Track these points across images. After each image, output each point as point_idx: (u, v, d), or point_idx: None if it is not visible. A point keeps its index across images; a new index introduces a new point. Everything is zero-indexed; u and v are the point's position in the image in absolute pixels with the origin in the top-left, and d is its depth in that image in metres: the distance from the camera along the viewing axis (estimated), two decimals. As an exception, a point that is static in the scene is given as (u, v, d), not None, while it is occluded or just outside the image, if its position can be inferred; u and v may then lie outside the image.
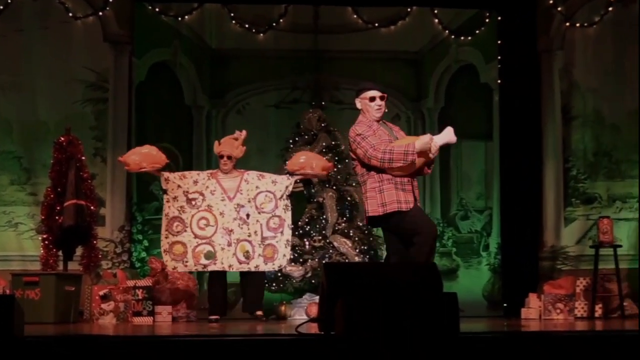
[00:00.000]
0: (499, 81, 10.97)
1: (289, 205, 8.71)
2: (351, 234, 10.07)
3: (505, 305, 10.66)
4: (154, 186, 10.59)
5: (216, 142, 8.76)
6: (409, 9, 11.02)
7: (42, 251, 9.18)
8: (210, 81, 10.90)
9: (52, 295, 8.71)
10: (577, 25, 10.88)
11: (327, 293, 6.03)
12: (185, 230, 8.49)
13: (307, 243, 10.04)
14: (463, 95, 11.10)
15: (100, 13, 10.50)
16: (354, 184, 10.27)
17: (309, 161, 8.64)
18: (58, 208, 9.06)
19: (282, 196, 8.60)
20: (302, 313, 9.87)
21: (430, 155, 7.16)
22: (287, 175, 8.73)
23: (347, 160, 10.27)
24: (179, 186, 8.54)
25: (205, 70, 10.89)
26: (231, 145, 8.58)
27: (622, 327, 8.19)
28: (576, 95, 10.87)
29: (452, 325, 5.73)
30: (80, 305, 9.22)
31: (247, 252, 8.50)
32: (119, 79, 10.54)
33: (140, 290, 9.00)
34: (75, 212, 9.00)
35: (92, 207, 9.25)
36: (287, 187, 8.62)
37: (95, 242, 9.38)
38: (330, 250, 10.02)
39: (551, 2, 10.83)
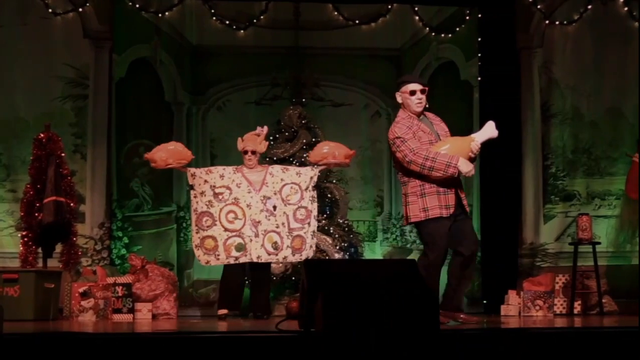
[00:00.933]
0: (479, 78, 10.99)
1: (315, 196, 8.74)
2: (331, 231, 10.07)
3: (484, 302, 10.69)
4: (134, 183, 10.57)
5: (239, 139, 8.78)
6: (389, 6, 11.03)
7: (21, 248, 9.15)
8: (191, 78, 10.87)
9: (31, 292, 8.68)
10: (557, 23, 10.91)
11: (308, 290, 6.03)
12: (215, 224, 8.48)
13: (287, 240, 10.03)
14: (443, 92, 11.09)
15: (80, 9, 10.46)
16: (334, 181, 10.28)
17: (331, 150, 8.68)
18: (37, 205, 9.04)
19: (307, 187, 8.62)
20: (282, 310, 9.87)
21: (471, 155, 7.17)
22: (311, 166, 8.73)
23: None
24: (205, 181, 8.54)
25: (186, 66, 10.86)
26: (254, 140, 8.63)
27: (601, 323, 8.22)
28: (555, 92, 10.91)
29: (432, 322, 5.74)
30: (60, 302, 9.20)
31: (276, 242, 8.51)
32: (98, 75, 10.50)
33: (120, 287, 8.99)
34: (54, 209, 8.98)
35: (71, 204, 9.23)
36: (311, 177, 8.65)
37: (74, 239, 9.36)
38: (311, 247, 10.02)
39: (531, 0, 10.86)
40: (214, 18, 10.82)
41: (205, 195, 8.52)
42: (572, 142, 10.86)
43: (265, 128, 8.78)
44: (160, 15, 10.73)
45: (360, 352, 5.49)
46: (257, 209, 8.46)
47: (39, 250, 9.14)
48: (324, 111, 10.88)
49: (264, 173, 8.62)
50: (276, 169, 8.67)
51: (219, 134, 10.82)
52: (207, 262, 8.65)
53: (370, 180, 10.86)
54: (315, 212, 8.73)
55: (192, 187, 8.61)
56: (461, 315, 7.38)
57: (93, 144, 10.39)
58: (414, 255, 10.73)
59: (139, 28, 10.74)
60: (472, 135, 7.31)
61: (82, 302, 8.88)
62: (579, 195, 10.81)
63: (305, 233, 8.62)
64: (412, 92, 7.35)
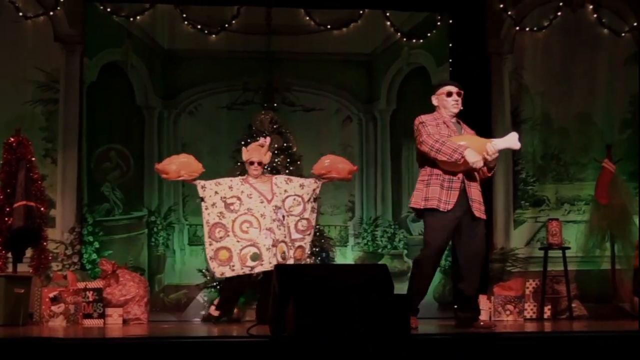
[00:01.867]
0: (450, 84, 11.03)
1: (316, 207, 8.74)
2: (303, 236, 10.08)
3: (455, 306, 10.71)
4: (104, 187, 10.55)
5: (244, 149, 8.79)
6: (361, 12, 11.07)
7: (-9, 253, 9.09)
8: (162, 82, 10.86)
9: (1, 297, 8.62)
10: (527, 29, 10.98)
11: (279, 295, 6.04)
12: (228, 235, 8.44)
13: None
14: (415, 97, 11.15)
15: (51, 13, 10.41)
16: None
17: (334, 164, 8.68)
18: (7, 209, 8.98)
19: (309, 199, 8.61)
20: (253, 315, 9.86)
21: (488, 158, 7.25)
22: (314, 179, 8.71)
23: (298, 162, 10.29)
24: (216, 192, 8.51)
25: (157, 71, 10.85)
26: (259, 151, 8.64)
27: (571, 328, 8.28)
28: (525, 98, 10.97)
29: (403, 327, 5.76)
30: (30, 307, 9.14)
31: (284, 252, 8.50)
32: (69, 79, 10.46)
33: (91, 292, 8.95)
34: (25, 213, 8.92)
35: (42, 209, 9.18)
36: (314, 190, 8.65)
37: (45, 243, 9.30)
38: (282, 252, 10.02)
39: (501, 6, 10.92)
40: (186, 22, 10.81)
41: (216, 207, 8.48)
42: (541, 147, 10.93)
43: (268, 139, 8.80)
44: (131, 19, 10.71)
45: (331, 356, 5.51)
46: (270, 219, 8.43)
47: (9, 255, 9.08)
48: (295, 116, 10.89)
49: (269, 183, 8.60)
50: (280, 179, 8.66)
51: (190, 139, 10.81)
52: (222, 273, 8.60)
53: (341, 185, 10.87)
54: (314, 223, 8.73)
55: (202, 199, 8.58)
56: (480, 323, 7.52)
57: (64, 148, 10.34)
58: (385, 260, 10.78)
59: (110, 32, 10.71)
60: (493, 140, 7.38)
61: (53, 307, 8.84)
62: (548, 200, 10.87)
63: (305, 244, 8.64)
64: (449, 94, 7.57)
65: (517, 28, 10.96)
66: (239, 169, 10.21)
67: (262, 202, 8.46)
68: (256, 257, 8.38)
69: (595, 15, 11.01)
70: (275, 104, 10.76)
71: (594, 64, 10.98)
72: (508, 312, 9.64)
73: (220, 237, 8.44)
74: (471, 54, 10.93)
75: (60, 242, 10.22)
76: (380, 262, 10.54)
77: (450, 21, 11.12)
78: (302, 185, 8.61)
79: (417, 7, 11.09)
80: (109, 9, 10.64)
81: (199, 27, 10.82)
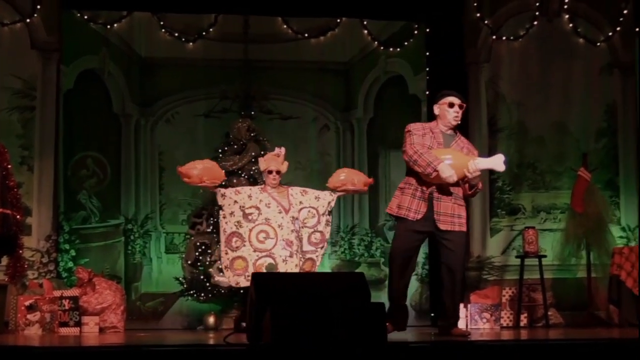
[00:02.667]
0: (427, 92, 11.07)
1: (330, 220, 8.59)
2: (280, 244, 10.07)
3: (432, 314, 10.75)
4: (81, 195, 10.52)
5: (260, 159, 8.65)
6: (338, 20, 11.10)
7: (-34, 261, 9.04)
8: (139, 90, 10.84)
9: (-24, 305, 8.59)
10: (503, 38, 11.03)
11: (256, 303, 6.04)
12: (244, 245, 8.30)
13: (235, 253, 10.02)
14: (392, 106, 11.20)
15: (28, 20, 10.36)
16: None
17: (350, 177, 8.59)
18: (-17, 217, 8.93)
19: (324, 212, 8.51)
20: (230, 323, 9.86)
21: (468, 175, 7.27)
22: (330, 191, 8.59)
23: (276, 170, 10.28)
24: (235, 201, 8.35)
25: (134, 78, 10.83)
26: (277, 161, 8.49)
27: (547, 336, 8.32)
28: (502, 107, 11.01)
29: (379, 335, 5.77)
30: (6, 315, 9.10)
31: (296, 265, 8.40)
32: (46, 86, 10.41)
33: (67, 300, 8.91)
34: (0, 221, 8.88)
35: (18, 216, 9.11)
36: (329, 202, 8.49)
37: (21, 251, 9.23)
38: (259, 260, 10.01)
39: (478, 15, 10.96)
40: (163, 30, 10.81)
41: (234, 216, 8.35)
42: (517, 156, 10.96)
43: (283, 149, 8.64)
44: (108, 26, 10.70)
45: (309, 365, 5.51)
46: (288, 230, 8.31)
47: (-15, 262, 9.03)
48: (272, 124, 10.90)
49: (286, 193, 8.48)
50: (295, 190, 8.53)
51: (167, 147, 10.80)
52: (237, 283, 8.51)
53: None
54: (328, 236, 8.62)
55: (221, 207, 8.44)
56: (455, 331, 7.59)
57: (40, 155, 10.29)
58: (362, 269, 10.80)
59: (87, 39, 10.70)
60: (477, 158, 7.40)
61: (28, 316, 8.80)
62: (524, 209, 10.91)
63: (317, 257, 8.51)
64: (451, 105, 7.58)
65: (494, 37, 11.00)
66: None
67: (280, 213, 8.35)
68: (271, 267, 8.25)
69: (571, 25, 11.08)
70: (252, 112, 10.77)
71: (569, 73, 11.04)
72: (485, 320, 9.67)
73: (237, 247, 8.32)
74: (448, 63, 10.96)
75: (36, 250, 10.17)
76: (357, 271, 10.56)
77: (427, 30, 11.16)
78: (317, 198, 8.49)
79: (394, 16, 11.12)
80: (86, 17, 10.63)
81: (176, 34, 10.82)
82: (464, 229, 7.56)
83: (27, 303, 8.82)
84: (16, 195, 9.16)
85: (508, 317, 9.98)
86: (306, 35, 11.03)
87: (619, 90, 11.10)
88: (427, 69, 11.14)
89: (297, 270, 8.23)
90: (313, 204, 8.43)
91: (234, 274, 8.41)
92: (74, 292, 9.10)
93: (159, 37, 10.83)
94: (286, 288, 6.15)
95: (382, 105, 11.21)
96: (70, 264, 10.30)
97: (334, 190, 8.52)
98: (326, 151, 11.04)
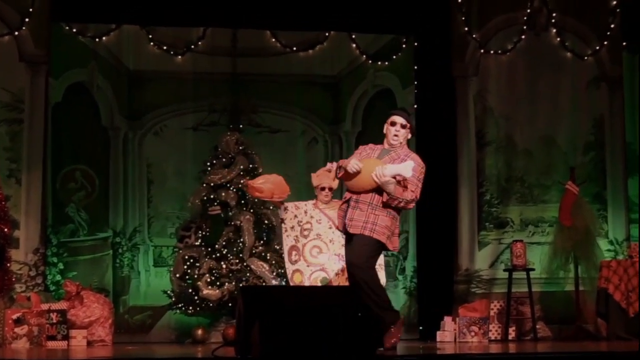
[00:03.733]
0: (415, 106, 11.09)
1: None
2: (268, 257, 10.09)
3: (421, 328, 10.75)
4: (69, 208, 10.50)
5: (313, 175, 8.71)
6: (327, 34, 11.12)
7: (-46, 274, 9.01)
8: (128, 103, 10.84)
9: (-37, 319, 8.55)
10: (491, 52, 11.05)
11: (244, 316, 6.04)
12: (300, 259, 8.44)
13: (224, 266, 10.03)
14: (380, 119, 11.09)
15: (16, 32, 10.34)
16: (271, 207, 10.29)
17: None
18: (-30, 230, 8.91)
19: None
20: (218, 336, 9.85)
21: (376, 180, 7.21)
22: None
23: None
24: (295, 216, 8.49)
25: (123, 91, 10.83)
26: (328, 177, 8.56)
27: (535, 349, 8.33)
28: (490, 120, 11.03)
29: (369, 349, 5.77)
30: (-7, 329, 9.07)
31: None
32: (34, 99, 10.37)
33: (55, 313, 8.90)
34: (-12, 234, 8.86)
35: (5, 230, 9.10)
36: None
37: (8, 265, 9.21)
38: (247, 274, 10.02)
39: (466, 29, 10.99)
40: (152, 43, 10.81)
41: (294, 230, 8.49)
42: (506, 169, 10.98)
43: (335, 163, 8.67)
44: (97, 39, 10.70)
45: (297, 378, 5.51)
46: (339, 244, 8.39)
47: (-28, 276, 9.01)
48: (261, 137, 10.91)
49: (337, 208, 8.56)
50: None
51: (155, 160, 10.80)
52: None
53: (306, 207, 10.90)
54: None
55: (283, 221, 8.56)
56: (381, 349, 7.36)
57: (28, 168, 10.26)
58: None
59: (76, 52, 10.69)
60: (387, 165, 7.31)
61: (16, 329, 8.78)
62: (512, 222, 10.92)
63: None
64: (393, 123, 7.54)
65: (482, 51, 11.03)
66: (205, 190, 10.21)
67: (330, 228, 8.46)
68: (325, 281, 8.38)
69: (558, 39, 11.11)
70: (241, 126, 10.78)
71: (557, 87, 11.08)
72: (473, 334, 9.68)
73: (295, 261, 8.46)
74: (436, 77, 11.00)
75: (24, 263, 10.12)
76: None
77: (416, 44, 11.19)
78: None
79: (382, 29, 11.15)
80: (74, 29, 10.63)
81: (164, 48, 10.83)
82: (375, 235, 7.29)
83: (14, 316, 8.80)
84: (4, 208, 9.14)
85: (496, 331, 9.98)
86: (294, 48, 11.05)
87: (607, 104, 11.13)
88: (416, 83, 11.17)
89: (347, 283, 8.21)
90: None
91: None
92: (61, 305, 9.08)
93: (147, 50, 10.84)
94: (275, 301, 6.15)
95: (371, 119, 11.22)
96: (58, 277, 10.27)
97: None
98: (314, 164, 11.02)
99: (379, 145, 7.60)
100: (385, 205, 7.29)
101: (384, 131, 7.60)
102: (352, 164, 7.22)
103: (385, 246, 7.35)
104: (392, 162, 7.36)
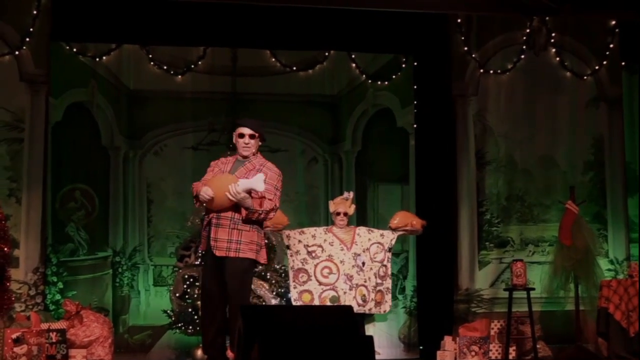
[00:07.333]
0: (415, 125, 11.12)
1: (390, 257, 8.97)
2: (268, 277, 10.07)
3: (421, 347, 10.74)
4: (69, 227, 10.49)
5: (330, 202, 9.07)
6: (326, 53, 11.14)
7: (-47, 294, 9.00)
8: (128, 122, 10.84)
9: (-37, 338, 8.54)
10: (491, 72, 11.08)
11: (244, 336, 6.03)
12: (310, 280, 8.71)
13: (224, 285, 10.01)
14: (380, 138, 11.23)
15: (17, 52, 10.36)
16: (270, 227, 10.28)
17: (407, 220, 9.03)
18: (-30, 249, 8.90)
19: (389, 248, 8.93)
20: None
21: (231, 199, 7.14)
22: (391, 230, 8.96)
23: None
24: (299, 241, 8.79)
25: (123, 111, 10.84)
26: (344, 204, 8.97)
27: (535, 369, 8.32)
28: (490, 140, 11.05)
29: (369, 368, 5.76)
30: (-8, 348, 9.05)
31: (364, 295, 8.75)
32: (35, 118, 10.39)
33: (55, 333, 8.88)
34: (-13, 253, 8.85)
35: (5, 249, 9.09)
36: (391, 240, 8.94)
37: (8, 284, 9.19)
38: (247, 293, 10.00)
39: (466, 48, 11.02)
40: (152, 63, 10.83)
41: (300, 254, 8.77)
42: (506, 189, 11.00)
43: (352, 193, 9.10)
44: (97, 59, 10.72)
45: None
46: (349, 265, 8.71)
47: (-29, 295, 8.99)
48: (260, 157, 10.90)
49: (352, 233, 8.91)
50: (362, 230, 8.97)
51: (155, 179, 10.80)
52: None
53: (306, 226, 10.87)
54: (390, 271, 8.95)
55: (288, 247, 8.86)
56: None
57: (28, 188, 10.26)
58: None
59: (76, 72, 10.71)
60: (240, 180, 7.25)
61: (15, 349, 8.75)
62: (512, 241, 10.93)
63: (384, 288, 8.88)
64: (241, 135, 7.43)
65: (481, 71, 11.06)
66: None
67: (342, 250, 8.77)
68: (335, 299, 8.65)
69: (557, 59, 11.15)
70: (241, 145, 10.76)
71: (556, 107, 11.11)
72: (473, 353, 9.66)
73: (304, 282, 8.73)
74: (436, 96, 11.03)
75: (23, 283, 10.12)
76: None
77: (415, 63, 11.22)
78: (382, 235, 8.92)
79: (382, 49, 11.18)
80: (74, 49, 10.65)
81: (164, 67, 10.84)
82: (241, 254, 7.23)
83: (14, 336, 8.77)
84: (4, 227, 9.13)
85: (497, 350, 9.97)
86: (294, 68, 11.07)
87: (606, 124, 11.17)
88: (415, 102, 11.19)
89: (359, 301, 8.64)
90: (379, 240, 8.90)
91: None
92: (61, 324, 9.06)
93: (147, 70, 10.85)
94: (275, 321, 6.14)
95: (370, 138, 11.24)
96: (58, 297, 10.26)
97: (395, 229, 8.97)
98: (314, 184, 11.05)
99: (231, 157, 7.55)
100: (247, 220, 7.23)
101: (234, 141, 7.52)
102: (202, 193, 7.17)
103: (256, 262, 7.36)
104: (248, 172, 7.31)
